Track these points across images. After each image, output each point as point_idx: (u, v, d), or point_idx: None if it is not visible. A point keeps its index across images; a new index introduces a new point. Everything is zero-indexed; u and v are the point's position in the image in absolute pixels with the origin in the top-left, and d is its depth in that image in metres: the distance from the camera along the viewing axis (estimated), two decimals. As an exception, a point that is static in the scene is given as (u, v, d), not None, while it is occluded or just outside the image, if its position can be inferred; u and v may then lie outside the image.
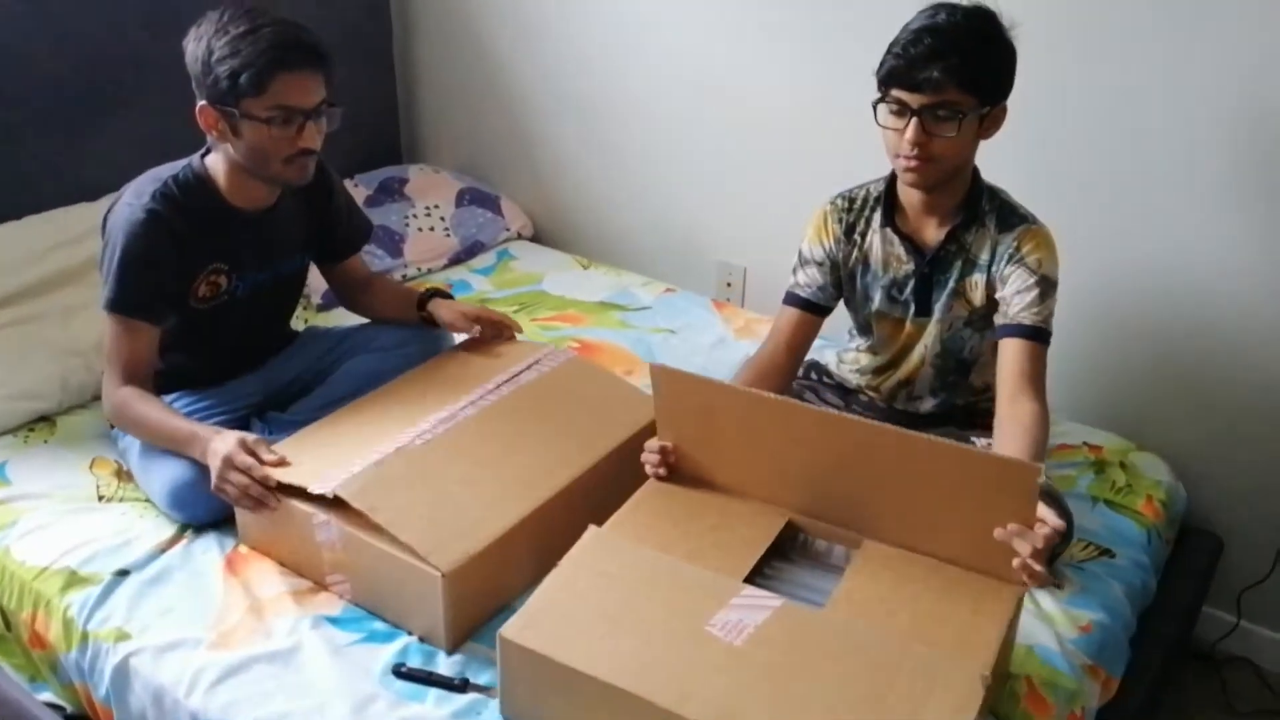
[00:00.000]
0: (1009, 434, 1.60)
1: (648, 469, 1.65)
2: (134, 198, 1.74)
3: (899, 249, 1.80)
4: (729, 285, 2.67)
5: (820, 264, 1.86)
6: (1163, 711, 2.04)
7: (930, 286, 1.80)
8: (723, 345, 2.37)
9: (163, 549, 1.71)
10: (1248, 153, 1.90)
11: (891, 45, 1.63)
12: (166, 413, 1.74)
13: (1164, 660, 1.84)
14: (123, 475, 1.89)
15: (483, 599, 1.55)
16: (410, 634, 1.55)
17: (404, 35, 3.02)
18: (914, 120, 1.61)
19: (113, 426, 1.89)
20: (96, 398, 2.08)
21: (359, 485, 1.56)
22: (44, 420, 2.05)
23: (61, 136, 2.31)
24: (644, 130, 2.67)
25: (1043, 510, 1.41)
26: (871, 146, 1.86)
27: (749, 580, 1.48)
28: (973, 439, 1.82)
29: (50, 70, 2.27)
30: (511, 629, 1.36)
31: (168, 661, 1.51)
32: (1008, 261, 1.71)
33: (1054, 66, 1.99)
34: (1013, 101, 1.68)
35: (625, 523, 1.57)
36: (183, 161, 1.80)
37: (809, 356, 2.10)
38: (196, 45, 1.66)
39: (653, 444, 1.65)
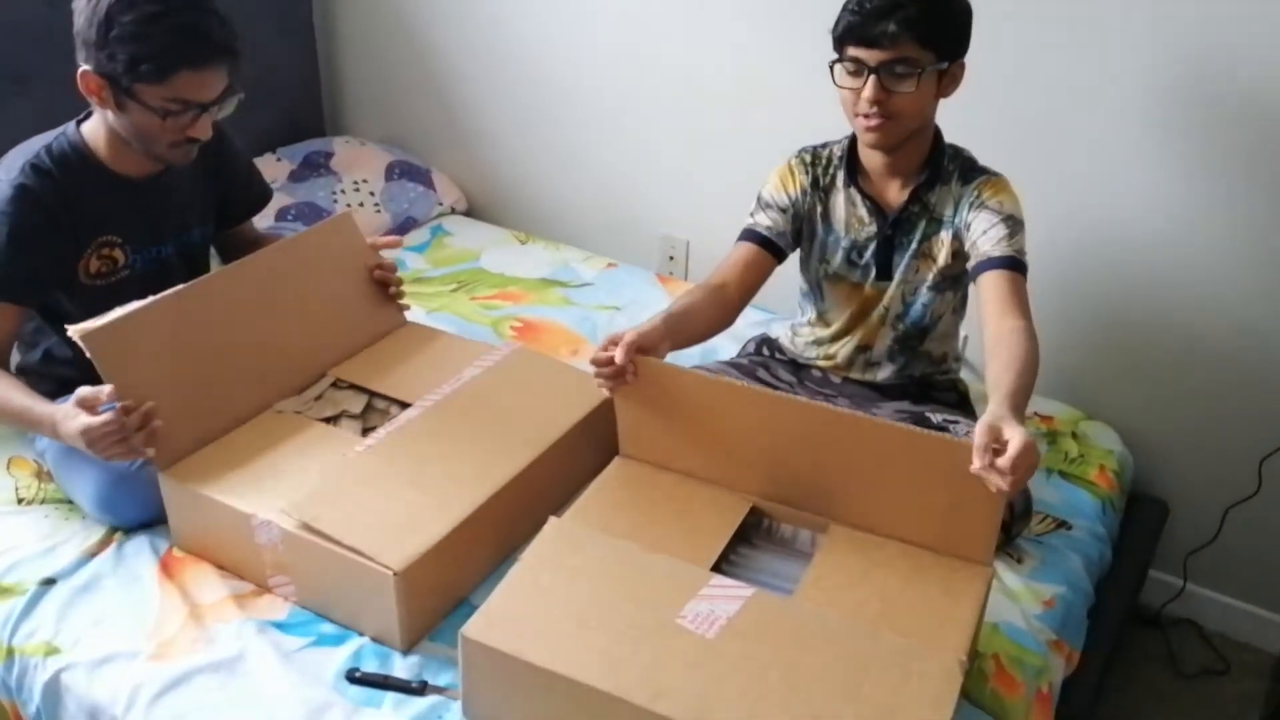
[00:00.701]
0: (996, 356, 1.52)
1: (598, 382, 1.54)
2: (4, 173, 1.63)
3: (861, 210, 1.77)
4: (671, 259, 2.61)
5: (783, 210, 1.80)
6: (1112, 676, 2.06)
7: (892, 249, 1.78)
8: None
9: (91, 554, 1.61)
10: (1194, 118, 1.89)
11: (846, 2, 1.61)
12: (15, 390, 1.59)
13: (1120, 628, 1.85)
14: (43, 475, 1.77)
15: (437, 596, 1.49)
16: (362, 635, 1.48)
17: (324, 4, 2.89)
18: (872, 78, 1.59)
19: None
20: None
21: (301, 500, 1.48)
22: (-47, 419, 1.92)
23: (70, 83, 2.15)
24: (581, 99, 2.59)
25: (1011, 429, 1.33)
26: (815, 116, 1.84)
27: (715, 568, 1.44)
28: (928, 414, 1.80)
29: (58, 17, 2.10)
30: (474, 628, 1.30)
31: (103, 676, 1.42)
32: (969, 209, 1.70)
33: (995, 28, 1.96)
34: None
35: (586, 510, 1.52)
36: (57, 130, 1.69)
37: (759, 331, 2.07)
38: (91, 6, 1.53)
39: (602, 356, 1.52)
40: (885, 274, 1.79)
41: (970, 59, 1.66)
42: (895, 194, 1.75)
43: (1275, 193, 1.87)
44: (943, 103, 1.69)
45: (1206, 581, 2.20)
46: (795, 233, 1.83)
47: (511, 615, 1.32)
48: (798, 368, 1.97)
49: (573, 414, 1.71)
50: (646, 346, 1.53)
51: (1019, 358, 1.49)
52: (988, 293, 1.62)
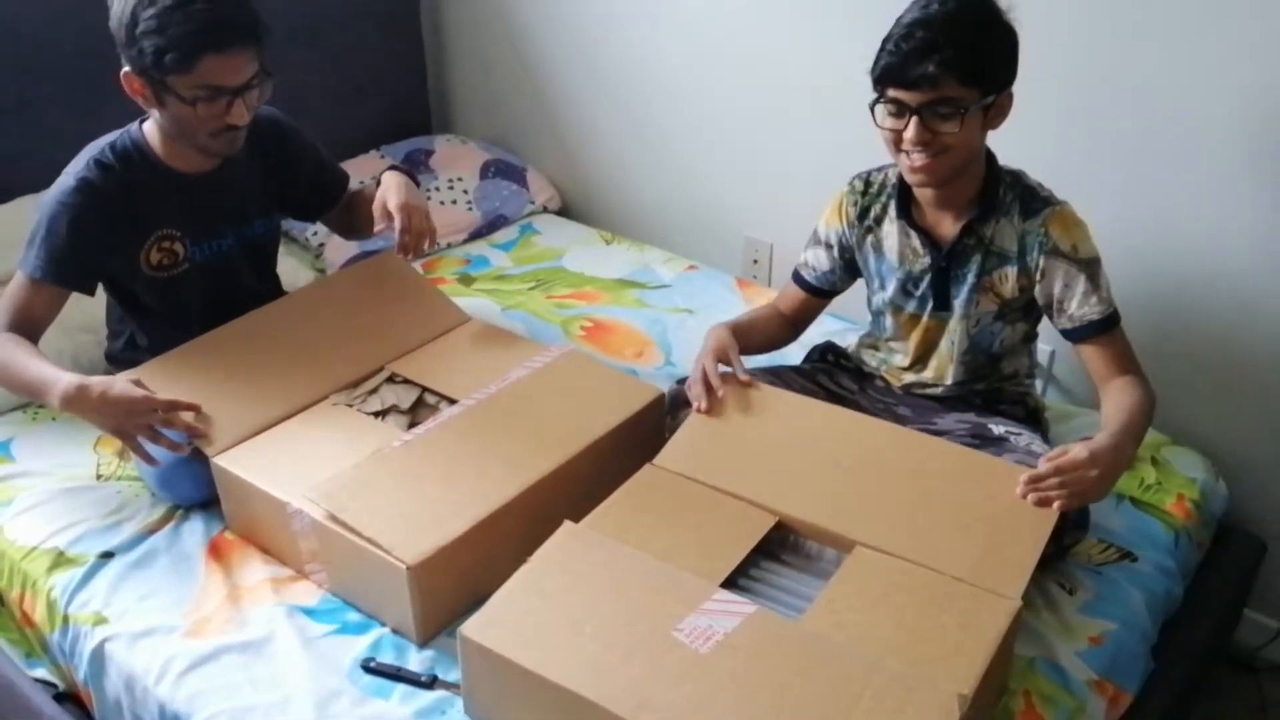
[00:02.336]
0: (1106, 402, 1.60)
1: (694, 398, 1.67)
2: (71, 167, 1.73)
3: (915, 242, 1.72)
4: (755, 262, 2.58)
5: (830, 247, 1.81)
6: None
7: (948, 282, 1.72)
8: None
9: (150, 531, 1.70)
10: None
11: (884, 41, 1.55)
12: (29, 357, 1.65)
13: (1192, 671, 1.73)
14: (125, 454, 1.89)
15: (456, 591, 1.51)
16: (384, 625, 1.52)
17: (432, 3, 2.97)
18: (914, 119, 1.53)
19: None
20: (107, 373, 2.09)
21: (330, 487, 1.53)
22: (52, 398, 2.06)
23: (64, 116, 2.29)
24: (673, 103, 2.59)
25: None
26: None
27: (732, 580, 1.43)
28: (990, 426, 1.73)
29: (51, 50, 2.25)
30: (472, 627, 1.32)
31: (141, 648, 1.50)
32: (1040, 252, 1.62)
33: (1066, 49, 1.88)
34: (1028, 85, 1.57)
35: (606, 516, 1.51)
36: (122, 130, 1.77)
37: (824, 339, 2.03)
38: (120, 5, 1.60)
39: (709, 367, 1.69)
40: (944, 305, 1.74)
41: (1053, 78, 1.60)
42: (949, 226, 1.69)
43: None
44: (1019, 126, 1.61)
45: (1308, 625, 2.04)
46: (845, 266, 1.83)
47: (510, 616, 1.34)
48: (861, 376, 1.92)
49: (611, 419, 1.71)
50: (724, 359, 1.71)
51: (1125, 405, 1.55)
52: (1093, 363, 1.64)
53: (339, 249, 2.52)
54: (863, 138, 1.69)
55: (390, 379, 1.83)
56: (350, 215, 2.04)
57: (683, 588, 1.37)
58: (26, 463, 1.86)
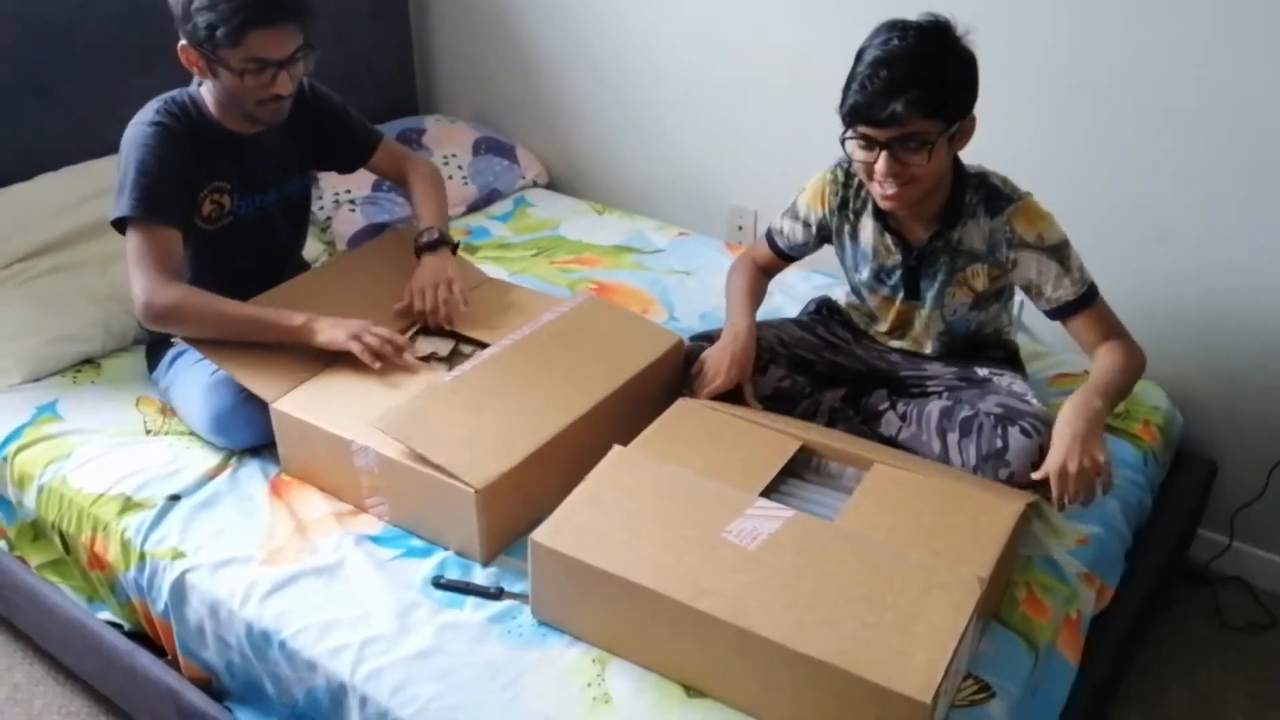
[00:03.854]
0: (1095, 365, 1.71)
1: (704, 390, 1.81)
2: (140, 117, 1.84)
3: (888, 240, 1.83)
4: (740, 228, 2.74)
5: (808, 226, 1.92)
6: (1158, 625, 2.15)
7: (918, 278, 1.84)
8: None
9: (210, 476, 1.81)
10: (1242, 88, 1.96)
11: (849, 79, 1.61)
12: (254, 305, 1.83)
13: (1157, 575, 1.94)
14: (167, 412, 1.99)
15: (514, 514, 1.64)
16: (447, 549, 1.66)
17: (419, -13, 3.09)
18: (883, 154, 1.60)
19: (152, 351, 2.03)
20: (138, 341, 2.18)
21: (395, 418, 1.65)
22: (89, 363, 2.15)
23: (94, 90, 2.38)
24: (656, 77, 2.74)
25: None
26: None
27: (764, 495, 1.58)
28: (976, 368, 1.90)
29: (82, 25, 2.34)
30: (542, 534, 1.46)
31: (222, 576, 1.62)
32: (1009, 248, 1.73)
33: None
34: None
35: (649, 441, 1.67)
36: (179, 89, 1.89)
37: (820, 294, 2.19)
38: None
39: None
40: (914, 296, 1.87)
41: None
42: (920, 231, 1.79)
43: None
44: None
45: (1254, 539, 2.26)
46: (820, 242, 1.96)
47: (574, 525, 1.48)
48: (854, 327, 2.09)
49: (643, 358, 1.85)
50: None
51: (1112, 363, 1.66)
52: (1078, 336, 1.75)
53: (346, 221, 2.63)
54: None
55: (425, 330, 1.96)
56: (405, 184, 2.19)
57: (726, 498, 1.53)
58: (76, 421, 1.95)
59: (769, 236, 2.00)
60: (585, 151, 2.97)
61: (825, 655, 1.29)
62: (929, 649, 1.29)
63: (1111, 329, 1.73)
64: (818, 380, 1.96)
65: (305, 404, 1.76)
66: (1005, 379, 1.87)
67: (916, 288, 1.85)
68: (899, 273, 1.85)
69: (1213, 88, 1.98)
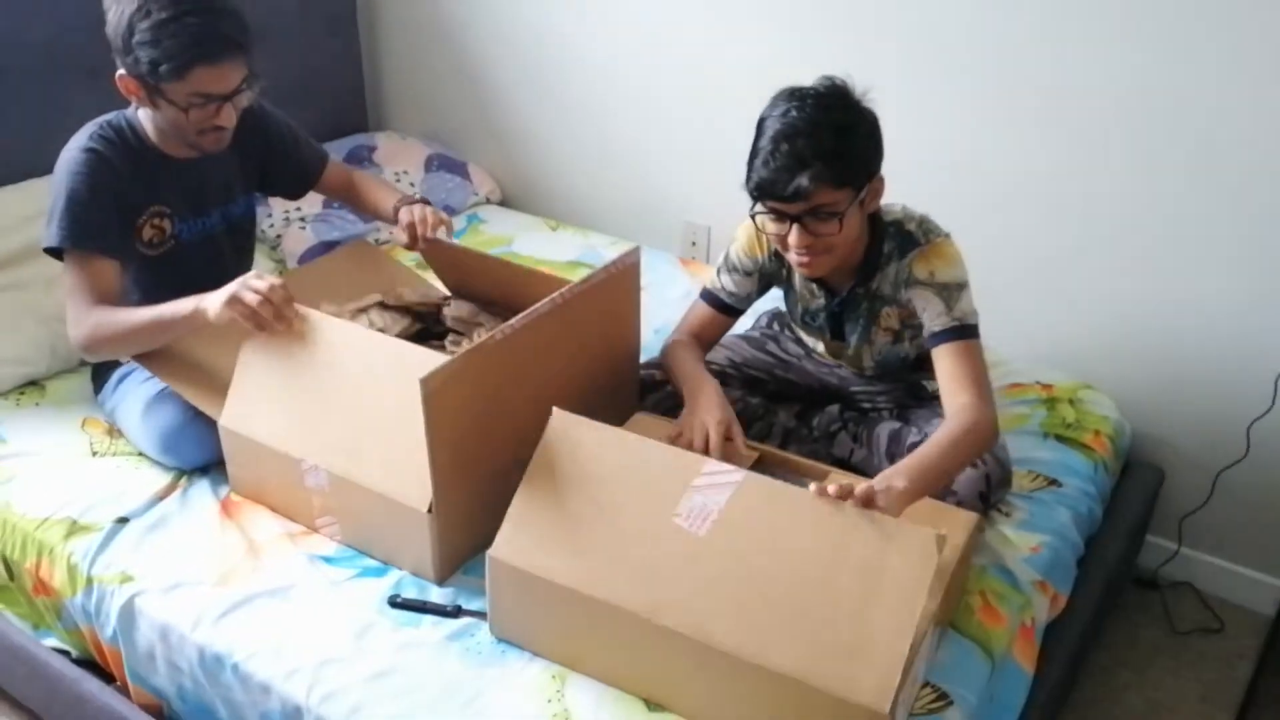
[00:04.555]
0: (938, 430, 1.58)
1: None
2: (73, 143, 1.81)
3: (812, 286, 1.83)
4: (694, 244, 2.76)
5: (749, 274, 1.86)
6: (1109, 631, 2.18)
7: (842, 322, 1.85)
8: (690, 298, 2.43)
9: (160, 497, 1.78)
10: (1185, 100, 2.02)
11: (752, 153, 1.59)
12: (151, 307, 1.74)
13: (1109, 582, 1.97)
14: (114, 433, 1.95)
15: (468, 532, 1.62)
16: (401, 570, 1.64)
17: (367, 3, 3.07)
18: (794, 226, 1.59)
19: (98, 373, 1.98)
20: (84, 363, 2.14)
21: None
22: (33, 385, 2.11)
23: (35, 107, 2.34)
24: (609, 93, 2.75)
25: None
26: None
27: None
28: (924, 382, 1.91)
29: (21, 40, 2.30)
30: (498, 549, 1.45)
31: (172, 600, 1.59)
32: (906, 287, 1.72)
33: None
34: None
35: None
36: (115, 112, 1.86)
37: (771, 307, 2.19)
38: (116, 15, 1.68)
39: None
40: (839, 337, 1.88)
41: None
42: (841, 281, 1.79)
43: (1245, 188, 1.99)
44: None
45: (1201, 545, 2.31)
46: (763, 286, 1.89)
47: (527, 530, 1.45)
48: (805, 344, 2.09)
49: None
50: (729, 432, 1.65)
51: (940, 438, 1.54)
52: (939, 369, 1.67)
53: (296, 240, 2.60)
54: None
55: (382, 304, 1.92)
56: (349, 195, 2.16)
57: (674, 464, 1.46)
58: (18, 443, 1.92)
59: (706, 296, 1.91)
60: (538, 168, 2.97)
61: (784, 668, 1.29)
62: (886, 656, 1.28)
63: (969, 380, 1.63)
64: (771, 399, 1.97)
65: (253, 417, 1.71)
66: None
67: (841, 330, 1.86)
68: (823, 315, 1.86)
69: (1158, 104, 2.03)
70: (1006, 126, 2.20)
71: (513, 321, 1.58)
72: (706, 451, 1.61)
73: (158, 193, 1.87)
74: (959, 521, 1.55)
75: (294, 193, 2.17)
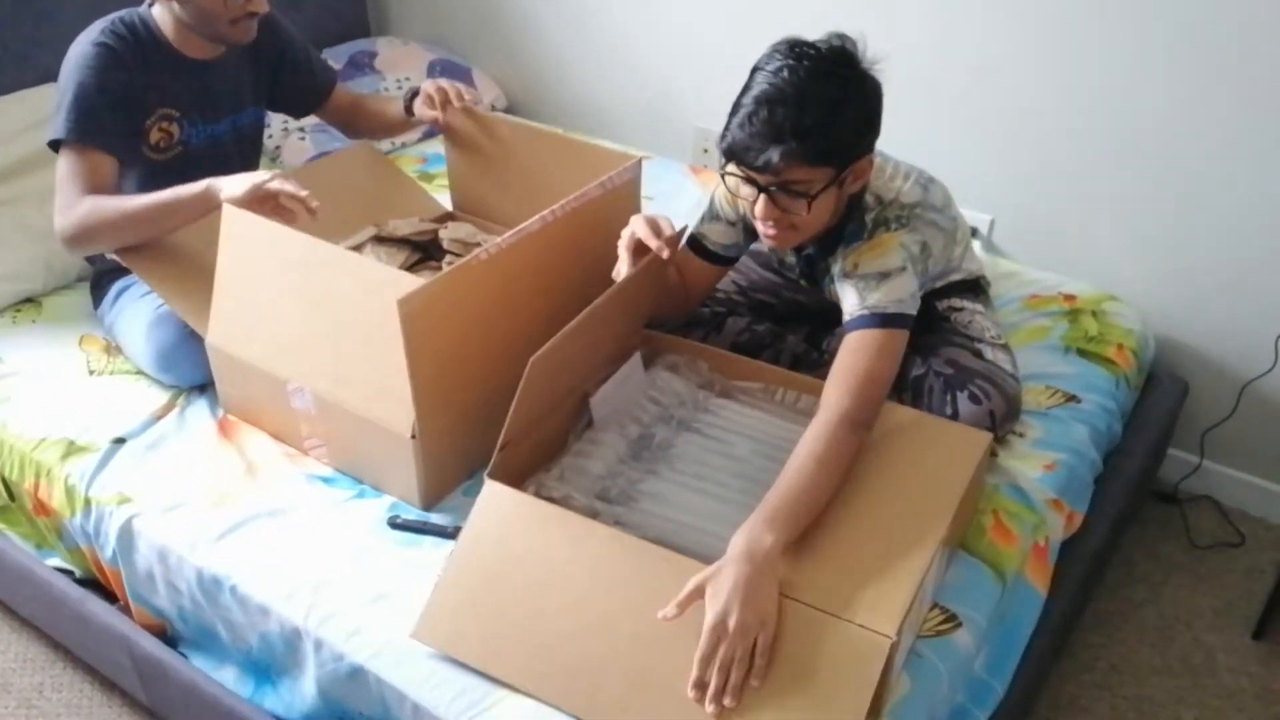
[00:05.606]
0: (794, 453, 1.39)
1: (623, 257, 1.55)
2: (84, 37, 1.77)
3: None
4: (705, 151, 2.67)
5: (732, 223, 1.73)
6: (1127, 546, 2.14)
7: (815, 275, 1.75)
8: (701, 209, 2.36)
9: (157, 417, 1.75)
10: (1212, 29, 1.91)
11: (732, 109, 1.44)
12: (152, 193, 1.70)
13: (1128, 497, 1.92)
14: (112, 351, 1.92)
15: (457, 458, 1.58)
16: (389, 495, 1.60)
17: (367, -98, 2.95)
18: (762, 197, 1.45)
19: (97, 285, 1.95)
20: (82, 279, 2.11)
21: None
22: (29, 302, 2.08)
23: (27, 17, 2.27)
24: (616, -6, 2.64)
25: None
26: (847, 8, 1.85)
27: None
28: (935, 303, 1.81)
29: None
30: (420, 630, 1.35)
31: (170, 521, 1.57)
32: (836, 281, 1.60)
33: None
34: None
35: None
36: (127, 9, 1.81)
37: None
38: None
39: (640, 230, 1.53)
40: (816, 285, 1.78)
41: None
42: (809, 246, 1.69)
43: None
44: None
45: (1224, 458, 2.25)
46: (749, 235, 1.74)
47: (453, 612, 1.35)
48: None
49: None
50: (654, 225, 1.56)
51: (796, 471, 1.35)
52: (835, 359, 1.49)
53: (296, 151, 2.54)
54: (810, 22, 1.74)
55: (377, 238, 1.88)
56: (354, 116, 2.13)
57: (618, 554, 1.33)
58: (16, 363, 1.89)
59: (691, 242, 1.75)
60: (545, 73, 2.87)
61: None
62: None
63: (851, 374, 1.44)
64: (780, 321, 1.90)
65: (239, 336, 1.65)
66: (965, 314, 1.80)
67: (818, 281, 1.76)
68: (796, 270, 1.81)
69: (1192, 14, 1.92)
70: (1036, 34, 2.09)
71: (499, 240, 1.51)
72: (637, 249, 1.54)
73: (168, 93, 1.83)
74: (970, 442, 1.50)
75: (301, 109, 2.13)
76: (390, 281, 1.47)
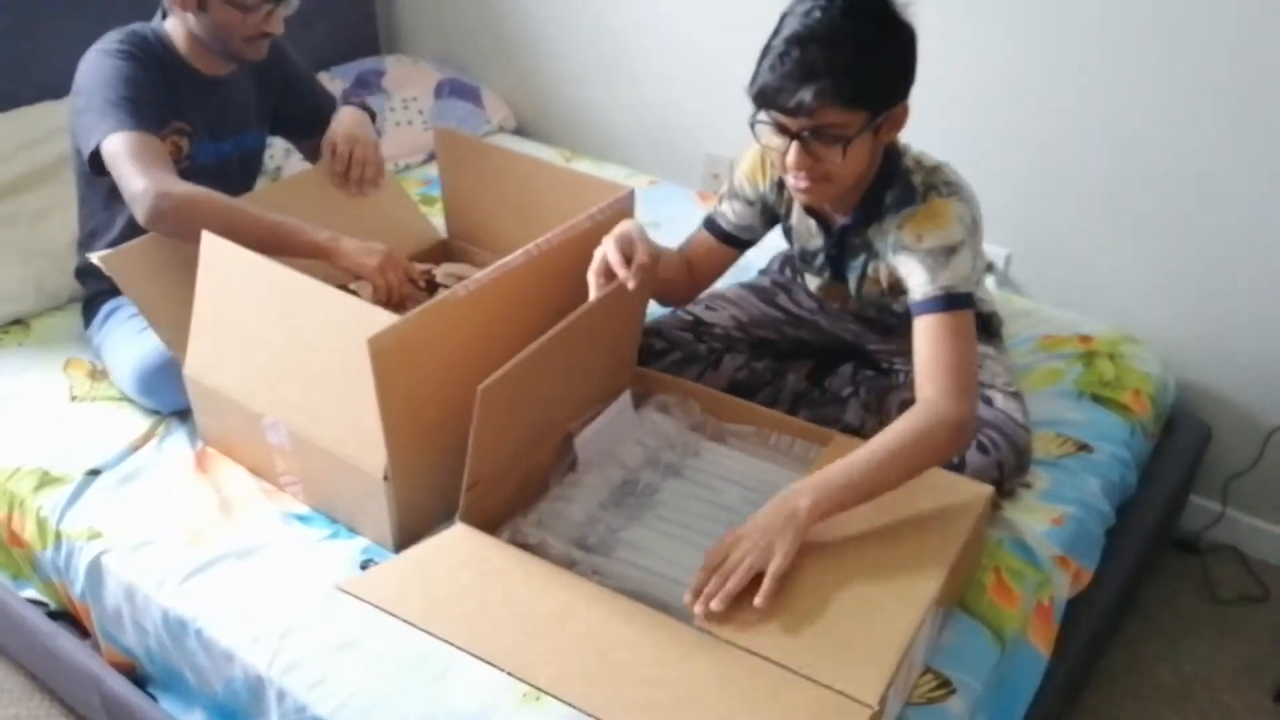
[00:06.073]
0: (885, 431, 1.38)
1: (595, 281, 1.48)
2: (101, 45, 1.76)
3: (810, 222, 1.66)
4: (715, 177, 2.61)
5: (751, 203, 1.70)
6: (1146, 599, 2.05)
7: (842, 263, 1.67)
8: (708, 238, 2.32)
9: (134, 448, 1.71)
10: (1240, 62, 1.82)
11: (763, 52, 1.40)
12: (264, 212, 1.68)
13: (1144, 551, 1.83)
14: (96, 375, 1.89)
15: (432, 501, 1.52)
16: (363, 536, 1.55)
17: (380, -80, 2.92)
18: (794, 144, 1.40)
19: (89, 305, 1.93)
20: (71, 300, 2.08)
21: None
22: (18, 323, 2.04)
23: (24, 33, 2.25)
24: (630, 17, 2.59)
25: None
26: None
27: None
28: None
29: None
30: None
31: (139, 559, 1.52)
32: (893, 252, 1.53)
33: None
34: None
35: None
36: (139, 23, 1.81)
37: (788, 250, 2.05)
38: None
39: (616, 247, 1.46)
40: (840, 279, 1.70)
41: None
42: (840, 212, 1.62)
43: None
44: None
45: (1248, 507, 2.16)
46: (765, 222, 1.72)
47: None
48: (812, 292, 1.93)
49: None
50: (626, 245, 1.48)
51: (890, 441, 1.34)
52: (915, 346, 1.46)
53: (297, 170, 2.49)
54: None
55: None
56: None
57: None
58: (-2, 386, 1.86)
59: (708, 222, 1.73)
60: (555, 94, 2.83)
61: None
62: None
63: (943, 367, 1.40)
64: (781, 359, 1.83)
65: (215, 367, 1.60)
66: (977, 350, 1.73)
67: (842, 272, 1.68)
68: (822, 256, 1.69)
69: (1210, 40, 1.84)
70: (1051, 60, 2.03)
71: (478, 275, 1.45)
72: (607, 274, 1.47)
73: (182, 107, 1.82)
74: (970, 494, 1.43)
75: (301, 135, 2.11)
76: (363, 317, 1.41)
